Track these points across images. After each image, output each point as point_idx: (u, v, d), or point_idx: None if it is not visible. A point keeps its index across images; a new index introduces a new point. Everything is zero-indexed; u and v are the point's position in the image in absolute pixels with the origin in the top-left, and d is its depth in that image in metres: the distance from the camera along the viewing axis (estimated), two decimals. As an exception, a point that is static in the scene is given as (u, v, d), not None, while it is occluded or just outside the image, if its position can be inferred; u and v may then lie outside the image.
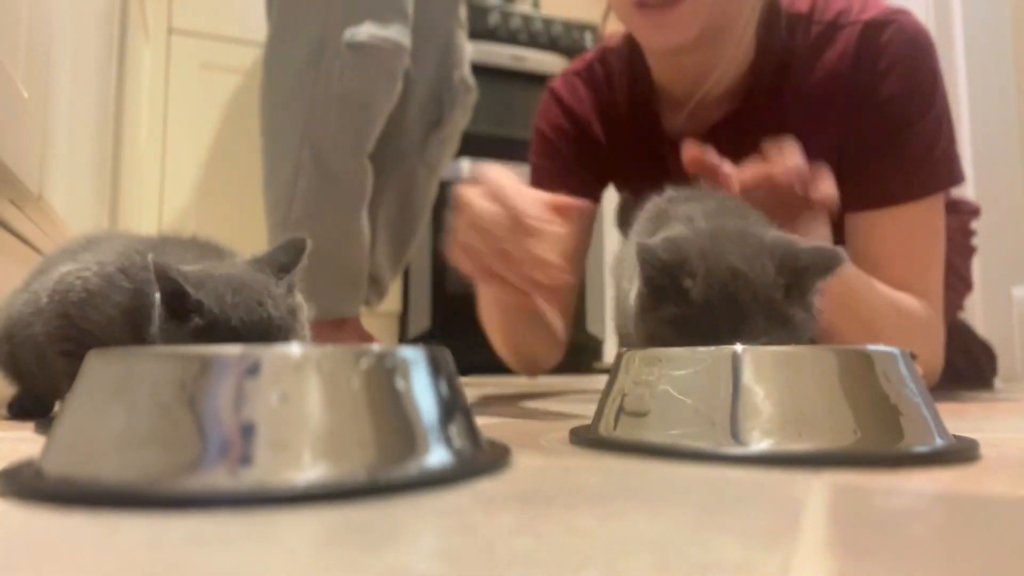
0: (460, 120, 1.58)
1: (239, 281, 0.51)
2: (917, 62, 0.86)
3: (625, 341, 0.65)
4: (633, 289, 0.58)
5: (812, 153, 0.85)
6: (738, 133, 0.89)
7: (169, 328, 0.50)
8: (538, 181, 1.06)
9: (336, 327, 1.37)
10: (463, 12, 1.56)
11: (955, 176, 0.89)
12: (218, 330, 0.49)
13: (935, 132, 0.87)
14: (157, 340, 0.50)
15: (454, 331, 1.74)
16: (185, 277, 0.49)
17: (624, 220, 0.56)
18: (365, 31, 1.28)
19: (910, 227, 0.87)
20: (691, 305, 0.53)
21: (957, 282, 1.15)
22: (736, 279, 0.52)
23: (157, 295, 0.50)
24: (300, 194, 1.31)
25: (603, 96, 1.04)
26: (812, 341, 0.55)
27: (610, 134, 1.04)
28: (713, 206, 0.62)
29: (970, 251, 1.19)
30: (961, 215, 1.17)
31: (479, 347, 1.07)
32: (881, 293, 0.82)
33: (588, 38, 2.41)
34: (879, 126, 0.87)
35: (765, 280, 0.52)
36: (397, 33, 1.31)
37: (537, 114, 1.11)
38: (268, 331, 0.50)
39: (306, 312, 0.55)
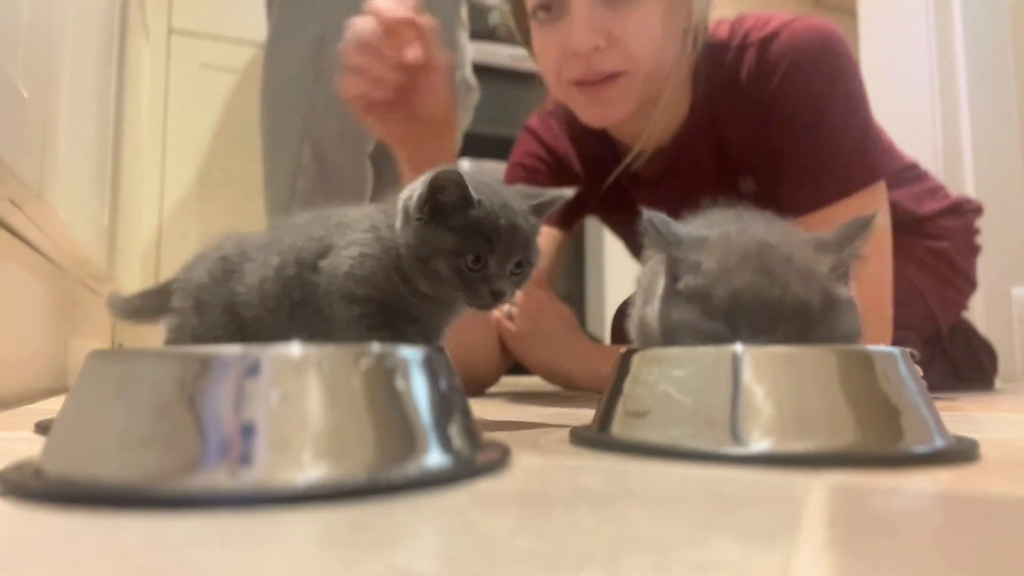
0: (461, 120, 1.58)
1: (493, 188, 0.55)
2: (806, 68, 0.89)
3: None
4: (659, 280, 0.54)
5: (750, 172, 0.92)
6: (686, 171, 0.98)
7: (426, 229, 0.52)
8: None
9: None
10: (463, 12, 1.56)
11: (875, 172, 0.90)
12: (484, 225, 0.52)
13: (840, 131, 0.89)
14: (412, 242, 0.53)
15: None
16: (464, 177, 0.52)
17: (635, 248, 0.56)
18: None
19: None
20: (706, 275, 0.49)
21: (961, 282, 1.14)
22: (767, 251, 0.48)
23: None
24: (300, 193, 1.31)
25: (576, 134, 1.08)
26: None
27: (587, 167, 1.08)
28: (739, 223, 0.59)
29: (974, 250, 1.19)
30: (965, 214, 1.17)
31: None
32: None
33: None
34: (786, 135, 0.89)
35: (805, 261, 0.48)
36: None
37: (513, 152, 1.16)
38: (522, 234, 0.54)
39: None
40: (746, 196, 0.93)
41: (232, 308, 0.59)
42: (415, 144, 0.85)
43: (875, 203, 0.90)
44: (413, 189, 0.54)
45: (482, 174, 0.59)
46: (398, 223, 0.55)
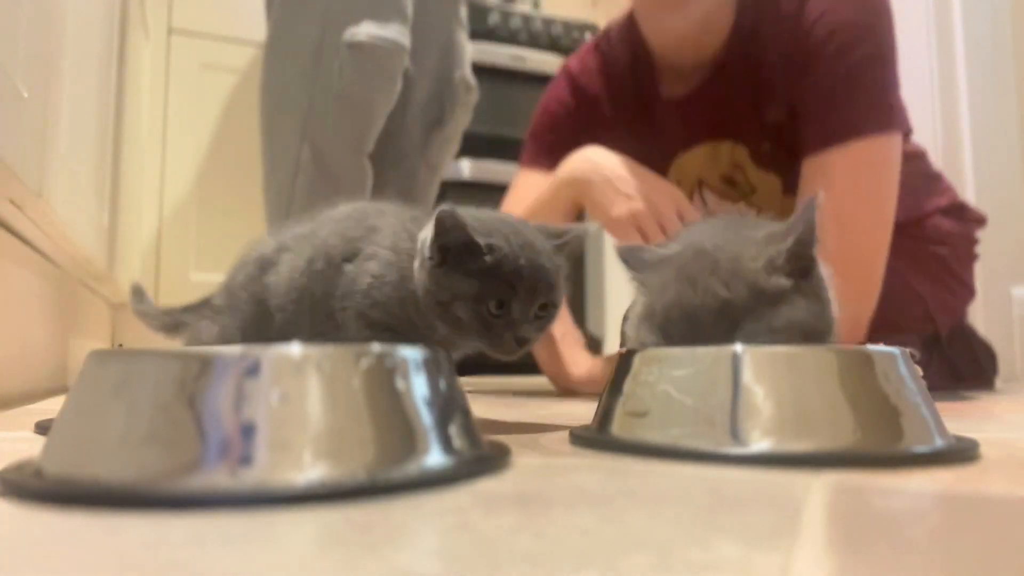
0: (461, 120, 1.58)
1: (514, 228, 0.53)
2: (846, 10, 0.92)
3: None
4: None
5: (779, 101, 0.97)
6: (719, 91, 1.02)
7: (442, 272, 0.50)
8: (536, 153, 1.16)
9: None
10: (463, 12, 1.56)
11: (891, 122, 0.91)
12: (504, 266, 0.50)
13: (879, 73, 0.92)
14: (429, 286, 0.51)
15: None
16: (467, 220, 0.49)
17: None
18: (364, 31, 1.28)
19: (859, 164, 0.90)
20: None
21: (959, 288, 1.15)
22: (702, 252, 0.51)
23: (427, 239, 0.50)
24: (299, 192, 1.31)
25: (610, 66, 1.13)
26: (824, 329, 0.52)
27: (614, 102, 1.13)
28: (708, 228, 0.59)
29: (973, 258, 1.19)
30: (966, 222, 1.17)
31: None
32: None
33: (588, 38, 2.40)
34: (811, 65, 0.92)
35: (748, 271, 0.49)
36: (396, 33, 1.31)
37: (546, 92, 1.21)
38: (546, 276, 0.52)
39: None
40: (772, 128, 1.00)
41: (262, 301, 0.59)
42: None
43: (885, 154, 0.90)
44: (427, 230, 0.51)
45: (504, 214, 0.58)
46: (416, 263, 0.52)
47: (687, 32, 1.00)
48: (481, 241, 0.49)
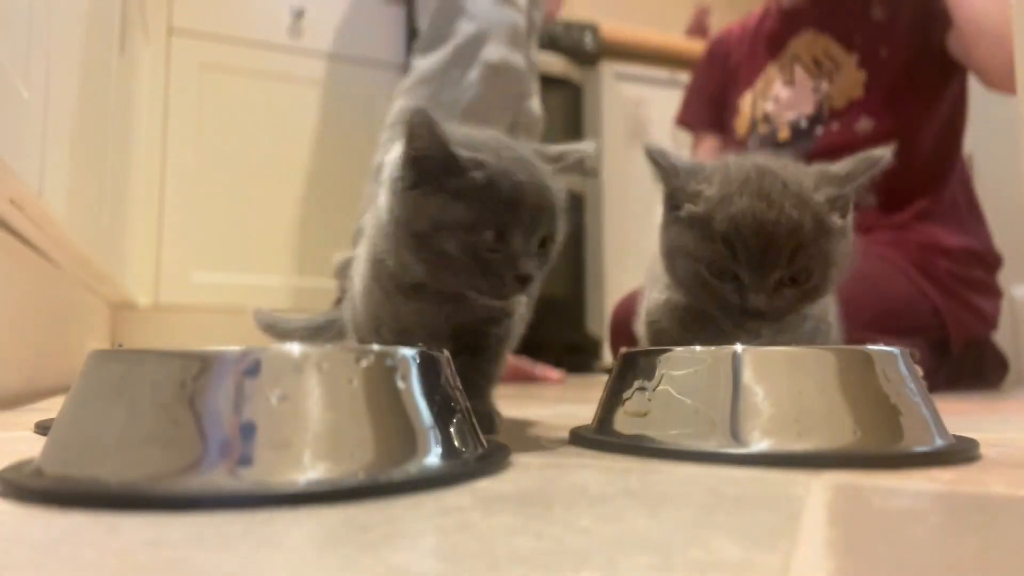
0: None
1: (504, 143, 0.44)
2: None
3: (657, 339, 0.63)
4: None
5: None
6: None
7: (419, 194, 0.41)
8: (698, 117, 1.51)
9: None
10: (536, 45, 1.65)
11: None
12: (500, 185, 0.41)
13: None
14: (400, 214, 0.42)
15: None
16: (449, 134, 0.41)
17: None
18: (499, 52, 1.43)
19: None
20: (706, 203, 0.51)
21: (977, 307, 1.16)
22: (767, 174, 0.51)
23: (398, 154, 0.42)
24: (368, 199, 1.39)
25: (747, 24, 1.46)
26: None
27: (740, 42, 1.44)
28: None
29: (996, 295, 1.21)
30: (989, 266, 1.19)
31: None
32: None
33: (588, 38, 2.40)
34: None
35: (804, 181, 0.51)
36: (521, 61, 1.47)
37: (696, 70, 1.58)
38: (550, 198, 0.43)
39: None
40: (870, 26, 1.21)
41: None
42: None
43: None
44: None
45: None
46: (382, 196, 0.43)
47: None
48: (463, 154, 0.40)
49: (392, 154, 0.43)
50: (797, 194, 0.50)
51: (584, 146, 0.48)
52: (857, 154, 0.53)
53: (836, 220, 0.51)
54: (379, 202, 0.46)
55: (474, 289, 0.43)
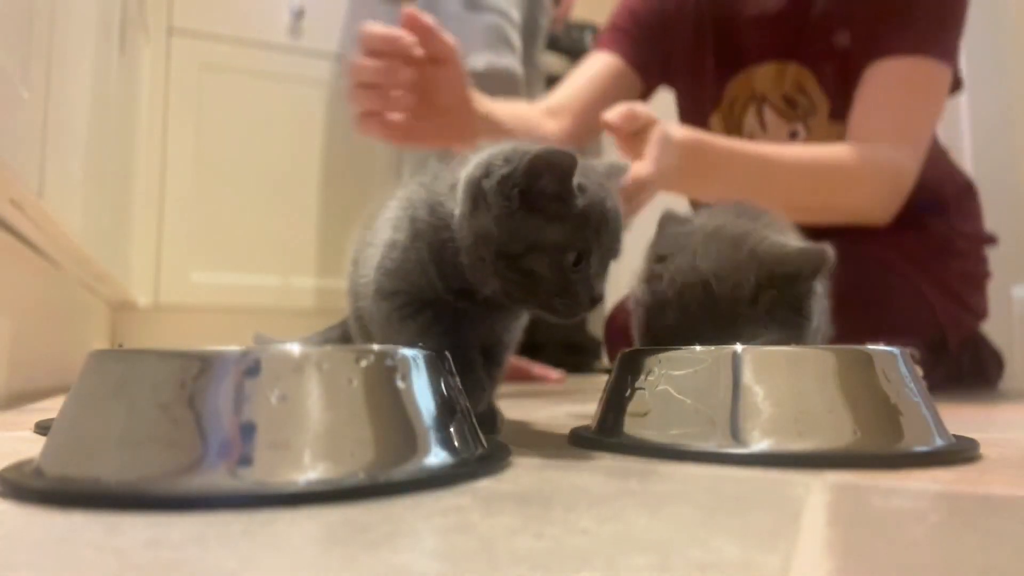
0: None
1: (584, 164, 0.45)
2: None
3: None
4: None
5: (849, 23, 1.03)
6: (799, 11, 1.06)
7: (520, 218, 0.42)
8: (615, 39, 1.19)
9: None
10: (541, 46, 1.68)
11: (948, 56, 0.99)
12: (594, 210, 0.43)
13: (949, 9, 0.99)
14: (492, 236, 0.42)
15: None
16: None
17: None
18: (483, 60, 1.44)
19: (909, 79, 0.98)
20: (658, 296, 0.55)
21: (973, 305, 1.14)
22: (699, 285, 0.54)
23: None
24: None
25: None
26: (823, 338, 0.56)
27: (697, 11, 1.16)
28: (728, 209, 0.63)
29: (986, 277, 1.19)
30: (983, 242, 1.18)
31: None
32: (795, 156, 0.94)
33: (588, 38, 2.40)
34: None
35: (737, 293, 0.53)
36: (510, 62, 1.47)
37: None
38: (621, 223, 0.45)
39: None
40: (840, 53, 1.05)
41: None
42: (441, 139, 0.87)
43: (941, 82, 0.98)
44: (489, 168, 0.43)
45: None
46: (459, 209, 0.44)
47: None
48: (576, 181, 0.41)
49: (474, 172, 0.44)
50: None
51: (621, 163, 0.50)
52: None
53: (780, 317, 0.54)
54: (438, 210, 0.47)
55: (548, 307, 0.44)
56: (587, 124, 1.11)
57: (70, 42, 0.92)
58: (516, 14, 1.58)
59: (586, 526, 0.26)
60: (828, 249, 0.53)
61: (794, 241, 0.57)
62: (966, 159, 2.01)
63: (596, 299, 0.43)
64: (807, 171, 0.93)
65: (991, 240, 1.20)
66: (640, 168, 0.73)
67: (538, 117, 1.07)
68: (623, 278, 0.62)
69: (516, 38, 1.54)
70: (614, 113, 0.76)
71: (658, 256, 0.56)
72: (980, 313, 1.17)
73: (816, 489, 0.33)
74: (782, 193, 0.90)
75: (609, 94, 1.12)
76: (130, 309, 1.71)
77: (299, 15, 1.94)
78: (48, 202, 0.81)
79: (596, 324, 2.31)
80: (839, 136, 1.05)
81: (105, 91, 1.22)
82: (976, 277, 1.16)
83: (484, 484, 0.34)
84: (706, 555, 0.23)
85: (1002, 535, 0.27)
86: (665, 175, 0.78)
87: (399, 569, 0.22)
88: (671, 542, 0.24)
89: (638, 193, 0.73)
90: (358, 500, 0.30)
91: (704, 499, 0.31)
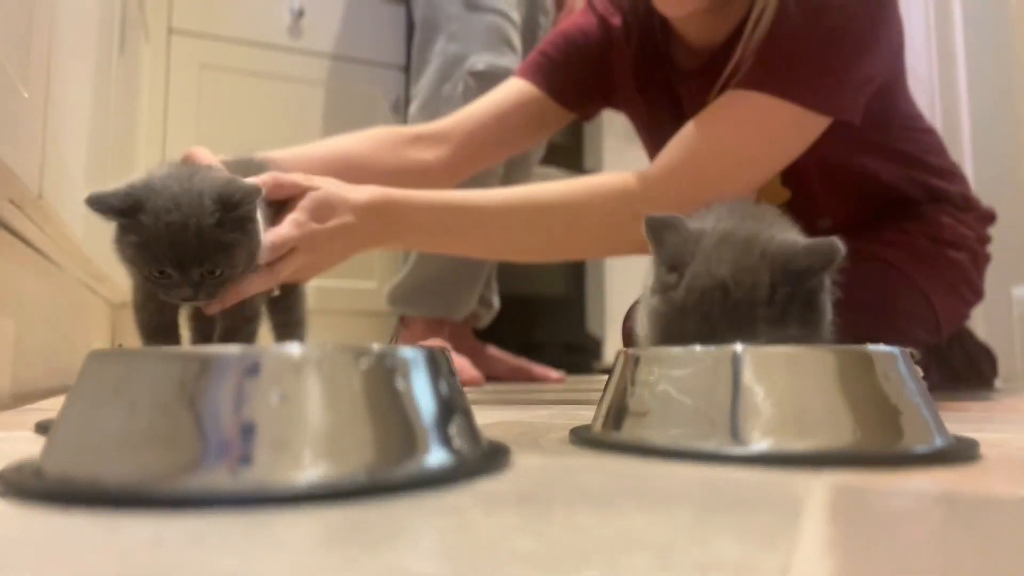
0: (535, 152, 1.71)
1: (196, 174, 0.61)
2: None
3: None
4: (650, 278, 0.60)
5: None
6: (722, 65, 0.95)
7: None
8: (537, 66, 1.11)
9: (433, 328, 1.50)
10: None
11: (828, 105, 0.86)
12: (155, 232, 0.55)
13: (825, 43, 0.86)
14: None
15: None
16: None
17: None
18: (483, 60, 1.46)
19: (755, 115, 0.87)
20: (672, 303, 0.55)
21: (971, 295, 1.11)
22: (718, 290, 0.53)
23: None
24: None
25: (633, 21, 1.09)
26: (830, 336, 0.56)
27: (634, 53, 1.08)
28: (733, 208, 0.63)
29: (987, 259, 1.16)
30: (980, 221, 1.14)
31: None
32: (505, 199, 0.88)
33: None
34: (795, 25, 0.86)
35: (754, 295, 0.53)
36: (510, 62, 1.48)
37: (569, 19, 1.17)
38: (202, 239, 0.57)
39: None
40: None
41: None
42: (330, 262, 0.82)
43: (797, 127, 0.87)
44: None
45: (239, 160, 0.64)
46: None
47: (699, 17, 0.96)
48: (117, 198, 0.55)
49: None
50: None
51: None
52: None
53: (794, 314, 0.53)
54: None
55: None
56: (473, 153, 1.07)
57: (70, 42, 0.92)
58: (516, 14, 1.59)
59: (586, 526, 0.26)
60: (837, 242, 0.53)
61: (800, 238, 0.57)
62: (966, 159, 2.01)
63: (184, 299, 0.56)
64: (519, 214, 0.87)
65: (990, 217, 1.17)
66: (271, 234, 0.70)
67: (387, 148, 1.02)
68: (626, 274, 0.62)
69: (516, 38, 1.55)
70: (260, 180, 0.71)
71: (670, 266, 0.56)
72: (978, 296, 1.14)
73: (816, 489, 0.33)
74: (498, 238, 0.88)
75: (510, 121, 1.08)
76: (130, 309, 1.70)
77: (299, 15, 1.94)
78: (48, 202, 0.81)
79: (596, 324, 2.31)
80: (786, 198, 1.02)
81: (105, 91, 1.22)
82: (978, 260, 1.12)
83: (484, 484, 0.34)
84: (706, 555, 0.23)
85: (1002, 535, 0.27)
86: (340, 237, 0.76)
87: (399, 569, 0.22)
88: (671, 542, 0.24)
89: (276, 259, 0.70)
90: (358, 500, 0.30)
91: (704, 499, 0.31)
